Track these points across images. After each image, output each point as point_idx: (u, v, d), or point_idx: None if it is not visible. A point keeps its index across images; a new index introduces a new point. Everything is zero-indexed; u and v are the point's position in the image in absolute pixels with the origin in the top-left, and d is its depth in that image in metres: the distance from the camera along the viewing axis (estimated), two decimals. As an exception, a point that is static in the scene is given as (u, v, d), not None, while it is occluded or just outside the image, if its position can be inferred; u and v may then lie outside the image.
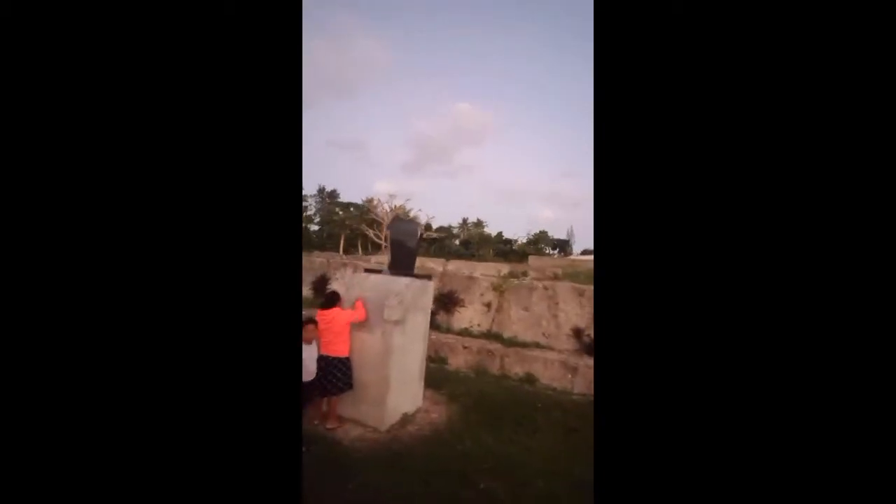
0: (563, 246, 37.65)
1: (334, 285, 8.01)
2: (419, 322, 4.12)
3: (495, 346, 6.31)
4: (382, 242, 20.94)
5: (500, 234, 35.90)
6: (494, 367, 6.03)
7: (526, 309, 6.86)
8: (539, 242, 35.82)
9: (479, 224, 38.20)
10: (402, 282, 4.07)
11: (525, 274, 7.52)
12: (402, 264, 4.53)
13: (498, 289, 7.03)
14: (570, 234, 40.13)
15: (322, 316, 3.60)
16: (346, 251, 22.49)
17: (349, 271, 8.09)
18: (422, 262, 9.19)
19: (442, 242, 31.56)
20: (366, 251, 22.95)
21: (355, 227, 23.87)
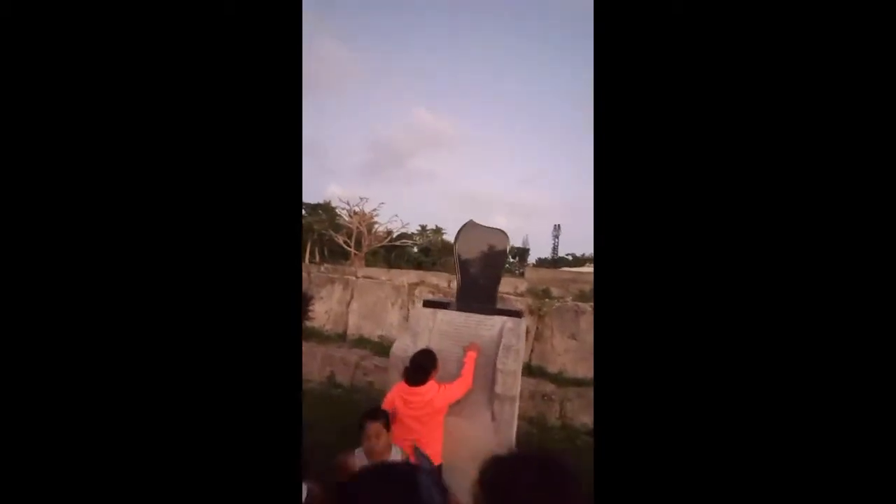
0: (523, 255, 37.69)
1: (403, 335, 6.23)
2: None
3: (549, 386, 4.97)
4: (352, 250, 18.77)
5: (460, 242, 34.74)
6: (553, 416, 4.69)
7: (573, 337, 5.63)
8: (500, 250, 35.23)
9: (437, 231, 36.92)
10: (495, 324, 2.57)
11: (546, 293, 6.32)
12: (478, 293, 3.01)
13: (537, 312, 5.74)
14: (526, 242, 40.56)
15: (407, 398, 2.01)
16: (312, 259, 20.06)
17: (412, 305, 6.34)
18: (392, 275, 7.62)
19: (402, 250, 29.86)
20: (326, 258, 20.67)
21: (324, 233, 21.47)
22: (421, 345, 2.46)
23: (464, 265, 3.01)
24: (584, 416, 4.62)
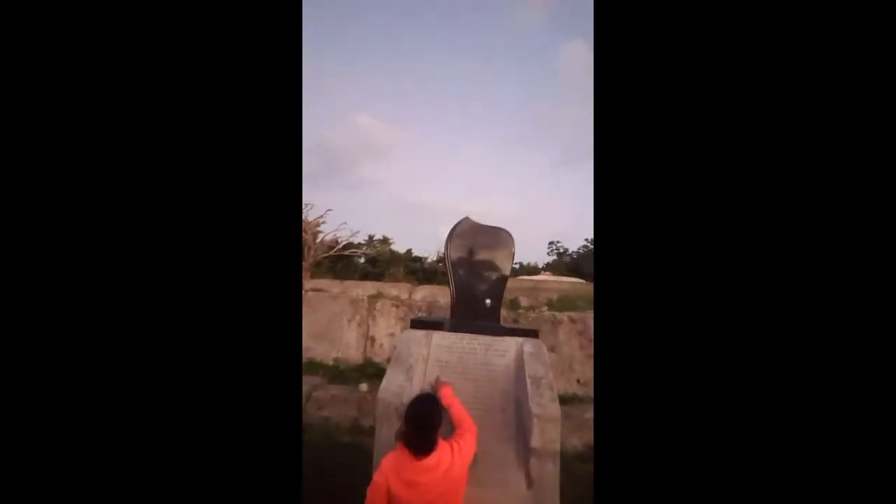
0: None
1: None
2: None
3: (533, 408, 4.47)
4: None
5: (409, 252, 34.21)
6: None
7: (552, 349, 5.22)
8: (449, 260, 35.15)
9: (385, 241, 35.85)
10: (508, 348, 2.02)
11: (516, 303, 5.92)
12: (479, 308, 2.44)
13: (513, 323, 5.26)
14: (475, 251, 40.70)
15: (414, 478, 1.32)
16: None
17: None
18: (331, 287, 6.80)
19: (349, 261, 28.50)
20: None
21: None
22: (417, 382, 1.80)
23: (459, 273, 2.40)
24: (573, 438, 4.17)
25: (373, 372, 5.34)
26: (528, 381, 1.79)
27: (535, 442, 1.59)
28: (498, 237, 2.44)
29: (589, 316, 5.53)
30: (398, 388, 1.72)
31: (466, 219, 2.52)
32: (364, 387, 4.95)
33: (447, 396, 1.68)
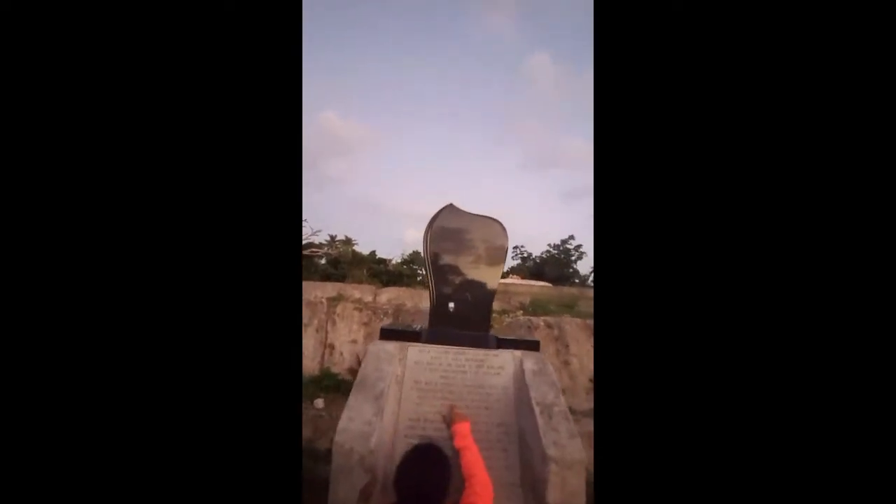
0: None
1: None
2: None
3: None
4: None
5: (373, 254, 33.28)
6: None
7: (528, 356, 4.90)
8: (414, 263, 34.78)
9: (348, 241, 34.68)
10: (504, 364, 1.62)
11: None
12: (464, 314, 2.03)
13: (487, 330, 4.89)
14: (440, 254, 40.44)
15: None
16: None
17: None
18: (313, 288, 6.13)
19: (309, 261, 27.37)
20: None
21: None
22: (391, 416, 1.33)
23: (441, 270, 1.95)
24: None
25: (331, 384, 4.79)
26: (536, 409, 1.37)
27: (554, 496, 1.18)
28: (489, 228, 2.02)
29: (564, 321, 5.28)
30: (364, 426, 1.24)
31: (450, 206, 2.08)
32: (320, 403, 4.38)
33: (462, 436, 1.23)
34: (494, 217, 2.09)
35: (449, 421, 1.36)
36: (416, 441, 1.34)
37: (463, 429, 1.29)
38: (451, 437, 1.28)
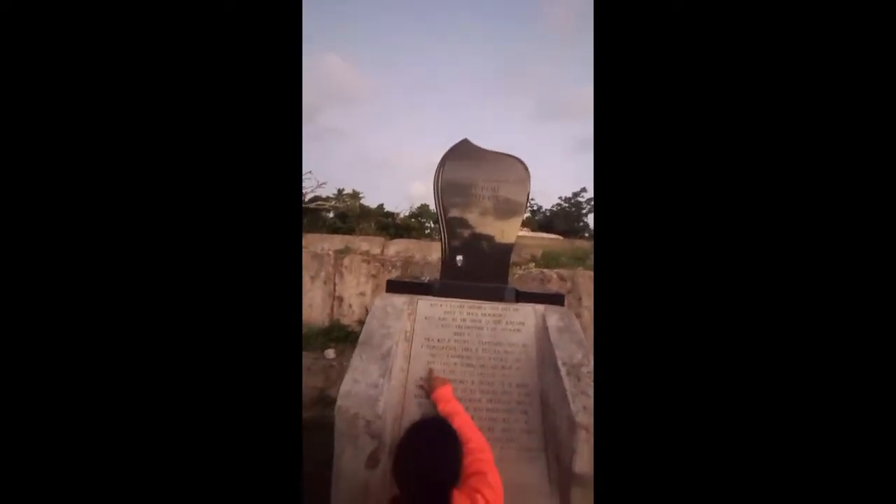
0: (444, 220, 37.09)
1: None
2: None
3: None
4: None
5: (381, 207, 33.03)
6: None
7: (540, 309, 4.81)
8: (422, 216, 34.59)
9: (355, 195, 34.32)
10: (525, 319, 1.43)
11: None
12: (481, 263, 1.82)
13: (498, 282, 4.77)
14: (448, 207, 40.03)
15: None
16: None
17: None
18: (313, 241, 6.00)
19: (316, 215, 27.34)
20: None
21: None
22: (399, 376, 1.19)
23: (454, 215, 1.74)
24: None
25: (340, 335, 4.81)
26: (562, 370, 1.22)
27: (581, 466, 1.06)
28: (510, 166, 1.77)
29: (578, 273, 5.12)
30: (370, 389, 1.10)
31: (465, 141, 1.82)
32: (331, 353, 4.41)
33: (446, 401, 1.10)
34: (515, 156, 1.83)
35: (429, 388, 1.23)
36: (427, 402, 1.22)
37: (445, 393, 1.17)
38: (435, 405, 1.16)
